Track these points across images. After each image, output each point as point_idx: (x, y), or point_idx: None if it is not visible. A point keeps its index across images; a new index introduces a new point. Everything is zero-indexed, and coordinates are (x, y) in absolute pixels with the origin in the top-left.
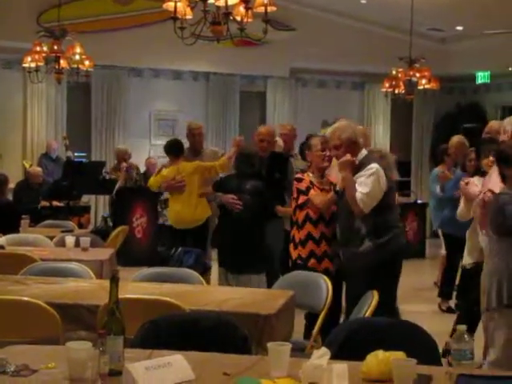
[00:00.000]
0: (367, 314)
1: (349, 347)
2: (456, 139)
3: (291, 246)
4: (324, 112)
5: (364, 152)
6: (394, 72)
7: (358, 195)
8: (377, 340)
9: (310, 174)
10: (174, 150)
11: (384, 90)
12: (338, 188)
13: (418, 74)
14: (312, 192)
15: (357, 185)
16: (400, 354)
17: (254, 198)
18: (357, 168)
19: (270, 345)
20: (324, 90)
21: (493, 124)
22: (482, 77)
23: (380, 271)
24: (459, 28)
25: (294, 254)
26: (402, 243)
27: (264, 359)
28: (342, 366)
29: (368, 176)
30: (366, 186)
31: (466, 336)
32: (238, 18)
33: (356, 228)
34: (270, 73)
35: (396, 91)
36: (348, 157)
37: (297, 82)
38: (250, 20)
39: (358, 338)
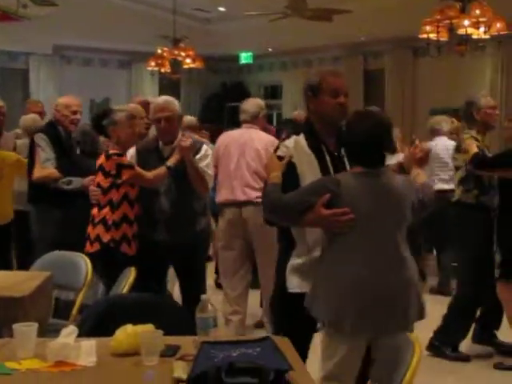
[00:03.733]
0: (125, 290)
1: (103, 323)
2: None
3: (100, 228)
4: (90, 91)
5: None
6: (159, 51)
7: (208, 177)
8: (129, 314)
9: None
10: None
11: (150, 68)
12: (169, 164)
13: (182, 54)
14: (137, 167)
15: (205, 166)
16: (149, 327)
17: None
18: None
19: (14, 326)
20: (90, 68)
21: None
22: (245, 57)
23: (207, 245)
24: (222, 9)
25: (105, 236)
26: None
27: (11, 341)
28: (89, 343)
29: (210, 157)
30: (208, 166)
31: (209, 305)
32: None
33: (192, 207)
34: (32, 49)
35: (162, 70)
36: (190, 139)
37: (61, 59)
38: None
39: (112, 313)
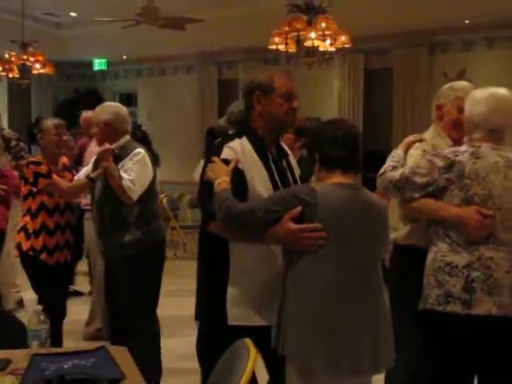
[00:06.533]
0: None
1: None
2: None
3: (21, 236)
4: None
5: (127, 137)
6: (6, 55)
7: (126, 183)
8: None
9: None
10: None
11: None
12: (92, 175)
13: (32, 59)
14: (55, 176)
15: (122, 172)
16: None
17: None
18: (120, 154)
19: None
20: None
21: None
22: (99, 64)
23: (148, 260)
24: (73, 14)
25: (25, 244)
26: (164, 233)
27: None
28: None
29: (135, 162)
30: (133, 172)
31: (42, 317)
32: None
33: (122, 216)
34: None
35: (10, 75)
36: (106, 146)
37: None
38: None
39: None
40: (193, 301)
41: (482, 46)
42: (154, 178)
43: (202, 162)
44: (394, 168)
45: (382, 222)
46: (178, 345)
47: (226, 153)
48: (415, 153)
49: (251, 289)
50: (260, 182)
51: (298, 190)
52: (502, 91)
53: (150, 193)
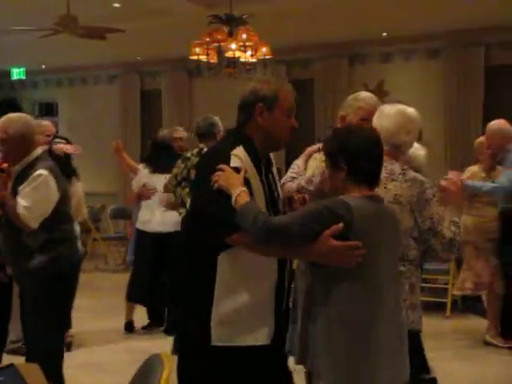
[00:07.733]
0: None
1: None
2: None
3: None
4: None
5: (38, 151)
6: None
7: (20, 211)
8: None
9: None
10: None
11: None
12: None
13: None
14: None
15: (20, 197)
16: None
17: None
18: (29, 168)
19: None
20: None
21: None
22: (17, 73)
23: (56, 285)
24: None
25: None
26: (80, 255)
27: None
28: None
29: (34, 187)
30: (30, 197)
31: None
32: None
33: (24, 244)
34: None
35: None
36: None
37: None
38: None
39: None
40: (110, 315)
41: (400, 57)
42: (65, 198)
43: (142, 170)
44: (294, 179)
45: (400, 232)
46: (100, 358)
47: (234, 161)
48: (314, 163)
49: (239, 307)
50: (258, 194)
51: (332, 204)
52: (410, 110)
53: (60, 214)
